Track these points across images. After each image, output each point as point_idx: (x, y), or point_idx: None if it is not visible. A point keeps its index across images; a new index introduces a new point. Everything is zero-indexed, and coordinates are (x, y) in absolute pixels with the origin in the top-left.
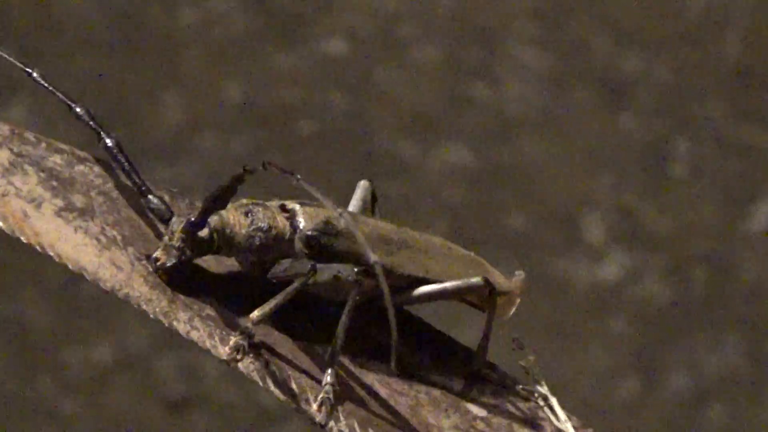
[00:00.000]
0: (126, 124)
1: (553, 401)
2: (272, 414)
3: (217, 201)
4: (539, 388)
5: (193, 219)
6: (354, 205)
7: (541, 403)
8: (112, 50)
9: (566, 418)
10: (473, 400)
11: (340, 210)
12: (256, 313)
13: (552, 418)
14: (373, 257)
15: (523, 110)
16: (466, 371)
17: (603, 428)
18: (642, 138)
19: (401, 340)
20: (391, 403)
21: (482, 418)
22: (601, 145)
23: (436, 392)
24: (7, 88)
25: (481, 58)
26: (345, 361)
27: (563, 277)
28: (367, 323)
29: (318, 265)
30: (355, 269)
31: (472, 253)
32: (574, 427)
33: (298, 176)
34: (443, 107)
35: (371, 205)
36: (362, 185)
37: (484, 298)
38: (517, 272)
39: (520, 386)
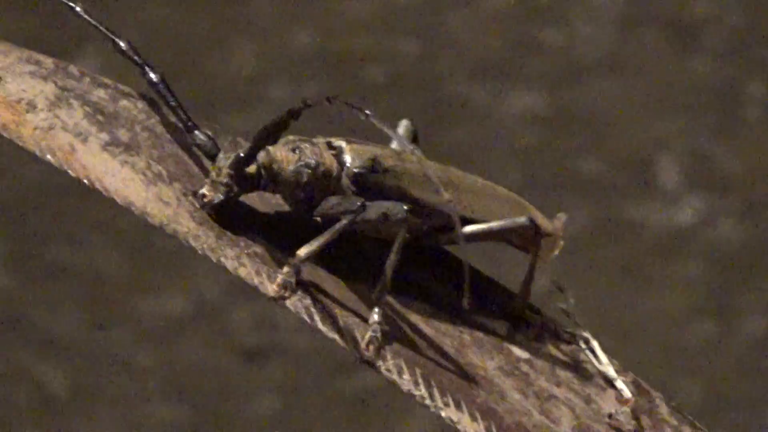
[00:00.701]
0: (196, 73)
1: (594, 344)
2: (347, 364)
3: (270, 135)
4: (580, 331)
5: (242, 154)
6: (395, 144)
7: (583, 345)
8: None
9: (608, 361)
10: (516, 343)
11: (411, 147)
12: (303, 250)
13: (593, 360)
14: (446, 195)
15: (594, 53)
16: (508, 313)
17: (678, 371)
18: (714, 80)
19: (445, 280)
20: (437, 343)
21: (526, 360)
22: (673, 87)
23: (480, 334)
24: (77, 40)
25: (551, 1)
26: (389, 300)
27: (637, 220)
28: (409, 263)
29: (366, 203)
30: (404, 207)
31: (515, 195)
32: (616, 371)
33: (368, 111)
34: (513, 52)
35: (413, 142)
36: (404, 124)
37: (528, 239)
38: (558, 215)
39: (562, 329)
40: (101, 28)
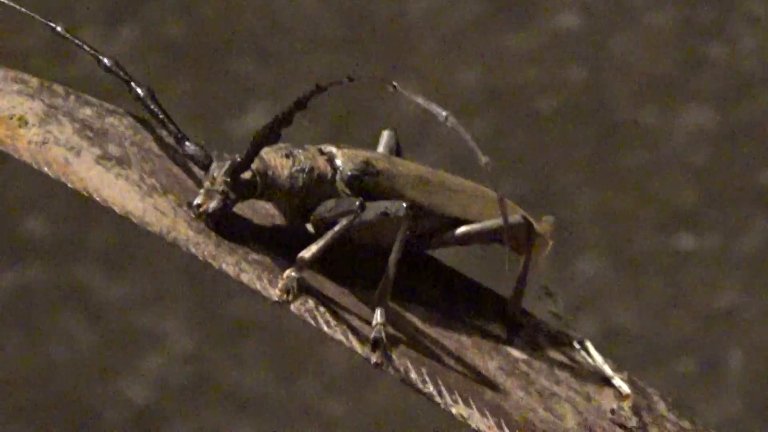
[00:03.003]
0: (363, 118)
1: (588, 344)
2: None
3: (273, 131)
4: (573, 332)
5: (239, 159)
6: (382, 149)
7: (577, 346)
8: (343, 46)
9: (602, 360)
10: (513, 344)
11: (445, 113)
12: (304, 254)
13: (589, 360)
14: (483, 158)
15: (762, 65)
16: (503, 317)
17: None
18: None
19: (436, 287)
20: (439, 344)
21: (524, 361)
22: None
23: (477, 337)
24: (244, 93)
25: (715, 16)
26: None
27: None
28: (400, 271)
29: (366, 202)
30: (404, 204)
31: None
32: (611, 369)
33: (394, 83)
34: (681, 70)
35: (396, 154)
36: (386, 134)
37: (521, 239)
38: (545, 217)
39: (556, 331)
40: (84, 46)
